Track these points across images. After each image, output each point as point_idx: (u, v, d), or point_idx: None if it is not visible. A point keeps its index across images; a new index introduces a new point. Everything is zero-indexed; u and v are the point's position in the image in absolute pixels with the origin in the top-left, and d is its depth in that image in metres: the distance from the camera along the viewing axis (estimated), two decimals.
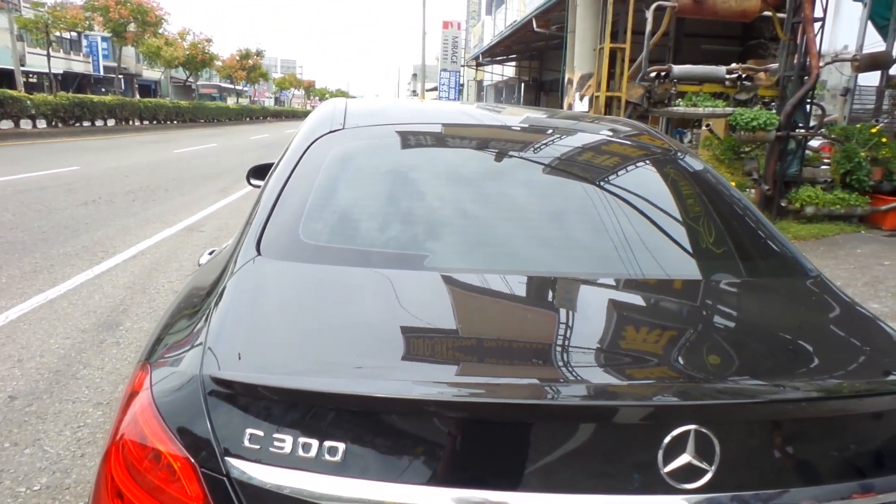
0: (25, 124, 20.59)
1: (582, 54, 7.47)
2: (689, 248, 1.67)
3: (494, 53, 35.27)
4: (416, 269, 1.43)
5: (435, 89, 56.11)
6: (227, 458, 0.92)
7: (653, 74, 7.17)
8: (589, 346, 1.18)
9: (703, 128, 8.26)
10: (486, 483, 0.92)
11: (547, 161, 1.87)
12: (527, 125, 2.23)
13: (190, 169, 13.28)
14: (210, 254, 2.13)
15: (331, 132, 1.87)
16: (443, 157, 1.94)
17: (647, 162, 1.97)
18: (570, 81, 7.89)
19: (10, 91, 20.03)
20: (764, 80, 7.85)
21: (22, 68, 29.66)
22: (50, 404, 2.99)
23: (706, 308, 1.41)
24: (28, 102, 20.34)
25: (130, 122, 28.29)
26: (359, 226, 1.61)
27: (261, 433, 0.92)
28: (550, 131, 2.15)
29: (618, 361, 1.13)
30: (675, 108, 7.31)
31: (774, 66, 8.10)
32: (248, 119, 50.27)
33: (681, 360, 1.14)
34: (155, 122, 31.02)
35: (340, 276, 1.36)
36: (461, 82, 48.87)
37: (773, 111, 7.90)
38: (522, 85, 40.36)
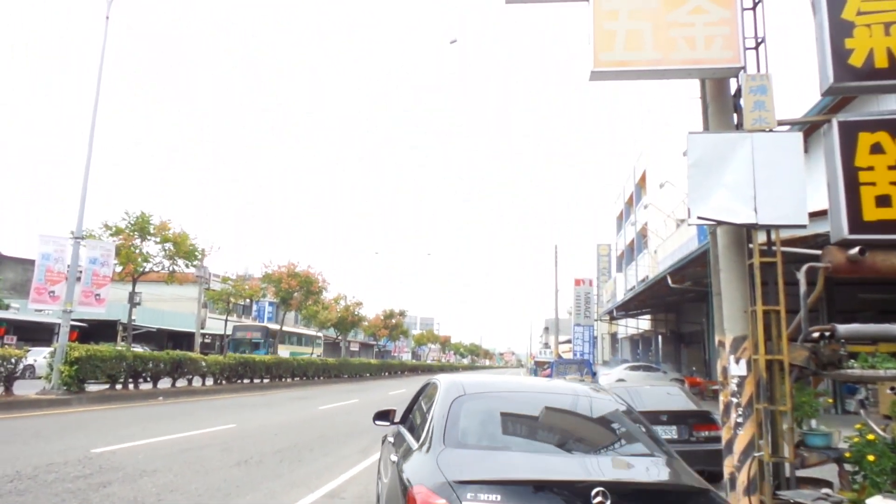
0: (196, 381, 22.95)
1: (731, 316, 7.24)
2: (622, 445, 3.65)
3: (628, 308, 35.46)
4: (515, 451, 3.38)
5: (568, 342, 56.34)
6: None
7: (815, 335, 6.69)
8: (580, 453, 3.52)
9: (888, 391, 7.30)
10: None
11: (569, 408, 4.08)
12: (559, 391, 4.37)
13: (333, 427, 13.68)
14: (393, 462, 3.98)
15: (459, 396, 3.78)
16: (522, 405, 4.08)
17: (614, 411, 3.98)
18: (722, 344, 7.56)
19: (191, 354, 22.89)
20: None
21: (201, 331, 34.12)
22: None
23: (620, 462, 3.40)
24: (203, 364, 22.93)
25: (283, 379, 30.60)
26: (486, 435, 3.55)
27: (482, 496, 2.78)
28: (570, 393, 4.23)
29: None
30: (850, 371, 6.61)
31: None
32: (386, 374, 52.59)
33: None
34: (304, 378, 33.34)
35: (485, 453, 3.24)
36: (594, 335, 48.85)
37: None
38: (660, 337, 39.46)
